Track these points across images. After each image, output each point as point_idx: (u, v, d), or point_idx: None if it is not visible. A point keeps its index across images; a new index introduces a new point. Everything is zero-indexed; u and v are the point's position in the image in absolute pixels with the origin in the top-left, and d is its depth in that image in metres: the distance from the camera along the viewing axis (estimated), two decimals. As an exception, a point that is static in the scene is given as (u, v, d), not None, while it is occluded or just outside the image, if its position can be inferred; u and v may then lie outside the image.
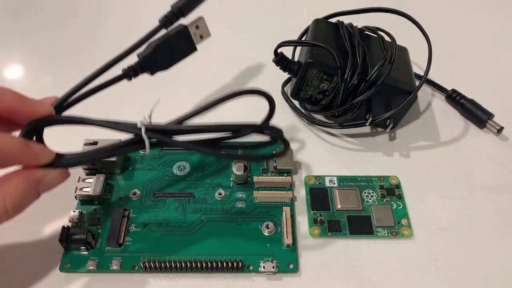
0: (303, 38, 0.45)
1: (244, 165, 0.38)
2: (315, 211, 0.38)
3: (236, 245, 0.35)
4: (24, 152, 0.29)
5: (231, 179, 0.39)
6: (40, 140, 0.32)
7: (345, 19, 0.44)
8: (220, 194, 0.38)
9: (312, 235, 0.36)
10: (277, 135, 0.35)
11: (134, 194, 0.38)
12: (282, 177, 0.38)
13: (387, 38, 0.41)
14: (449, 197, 0.39)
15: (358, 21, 0.44)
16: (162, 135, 0.32)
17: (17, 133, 0.31)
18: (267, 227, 0.36)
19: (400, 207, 0.38)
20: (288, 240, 0.35)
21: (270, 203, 0.37)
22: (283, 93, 0.47)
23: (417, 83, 0.41)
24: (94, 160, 0.37)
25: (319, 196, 0.39)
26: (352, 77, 0.39)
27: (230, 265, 0.34)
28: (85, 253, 0.35)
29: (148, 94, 0.45)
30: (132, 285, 0.34)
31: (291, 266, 0.34)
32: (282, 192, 0.37)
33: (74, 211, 0.37)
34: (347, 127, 0.43)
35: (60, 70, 0.51)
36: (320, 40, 0.40)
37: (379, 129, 0.44)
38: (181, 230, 0.36)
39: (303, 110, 0.45)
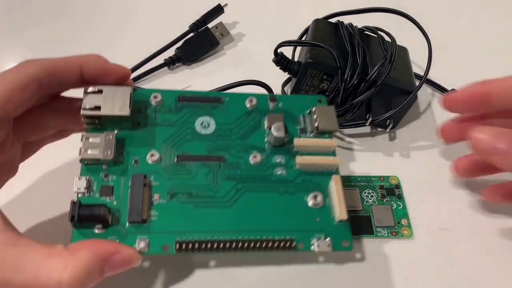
0: (303, 38, 0.44)
1: (285, 126, 0.32)
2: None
3: (280, 220, 0.30)
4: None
5: (265, 140, 0.33)
6: None
7: (345, 19, 0.44)
8: (255, 157, 0.32)
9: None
10: None
11: (152, 156, 0.30)
12: (327, 139, 0.33)
13: (387, 38, 0.42)
14: (449, 197, 0.39)
15: (358, 21, 0.44)
16: None
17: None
18: (315, 198, 0.31)
19: (400, 207, 0.37)
20: (341, 214, 0.30)
21: (314, 170, 0.32)
22: (283, 93, 0.45)
23: (417, 83, 0.41)
24: None
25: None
26: (352, 77, 0.39)
27: (279, 244, 0.28)
28: (99, 231, 0.27)
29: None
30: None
31: (346, 244, 0.30)
32: (329, 157, 0.32)
33: (79, 178, 0.28)
34: (347, 127, 0.42)
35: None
36: (320, 40, 0.40)
37: (379, 129, 0.44)
38: (216, 202, 0.30)
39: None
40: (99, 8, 0.56)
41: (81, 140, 0.29)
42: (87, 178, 0.28)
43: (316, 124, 0.33)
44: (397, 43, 0.41)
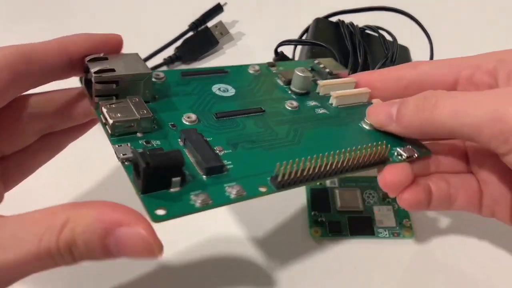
0: (304, 37, 0.43)
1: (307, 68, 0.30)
2: (316, 212, 0.34)
3: (353, 143, 0.26)
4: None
5: (289, 91, 0.30)
6: None
7: (346, 18, 0.43)
8: (291, 103, 0.29)
9: (312, 236, 0.33)
10: None
11: (189, 118, 0.25)
12: (347, 78, 0.31)
13: (388, 37, 0.42)
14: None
15: (359, 20, 0.44)
16: None
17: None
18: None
19: (402, 208, 0.35)
20: None
21: (351, 105, 0.30)
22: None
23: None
24: None
25: (319, 196, 0.35)
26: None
27: (374, 156, 0.25)
28: (176, 189, 0.21)
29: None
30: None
31: (423, 150, 0.28)
32: (361, 89, 0.30)
33: (119, 145, 0.21)
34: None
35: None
36: (321, 39, 0.40)
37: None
38: (282, 142, 0.25)
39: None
40: (98, 7, 0.54)
41: (100, 109, 0.23)
42: (128, 145, 0.22)
43: (327, 70, 0.31)
44: (398, 42, 0.41)
